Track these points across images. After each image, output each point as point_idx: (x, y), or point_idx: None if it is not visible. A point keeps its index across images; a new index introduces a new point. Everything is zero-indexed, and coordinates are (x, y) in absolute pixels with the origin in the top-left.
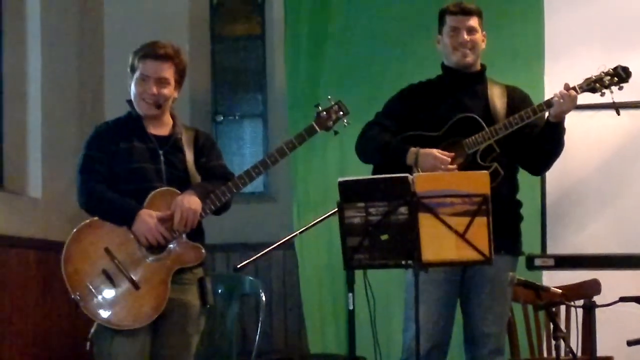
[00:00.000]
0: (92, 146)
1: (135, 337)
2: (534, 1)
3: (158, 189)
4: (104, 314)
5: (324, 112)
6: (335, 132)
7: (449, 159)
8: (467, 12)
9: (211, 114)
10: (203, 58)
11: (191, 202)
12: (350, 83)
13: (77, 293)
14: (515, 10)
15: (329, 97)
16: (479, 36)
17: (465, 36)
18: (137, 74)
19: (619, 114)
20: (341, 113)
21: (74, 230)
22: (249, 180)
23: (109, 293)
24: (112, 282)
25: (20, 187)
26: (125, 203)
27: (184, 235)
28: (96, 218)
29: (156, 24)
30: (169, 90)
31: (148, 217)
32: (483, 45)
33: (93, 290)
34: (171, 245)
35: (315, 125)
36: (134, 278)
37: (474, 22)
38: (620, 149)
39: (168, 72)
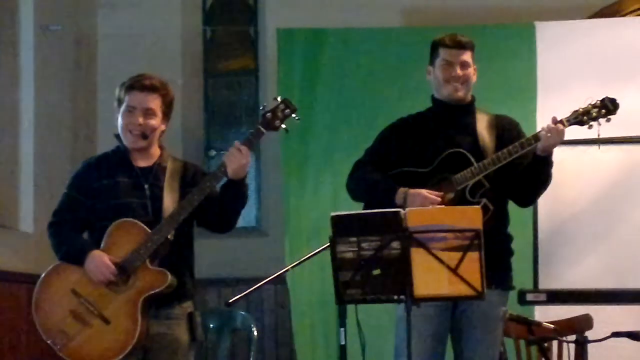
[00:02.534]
0: (73, 186)
1: None
2: (526, 36)
3: (115, 222)
4: (81, 355)
5: (269, 113)
6: (286, 131)
7: (439, 199)
8: (461, 46)
9: (204, 148)
10: (196, 93)
11: None
12: (343, 117)
13: (51, 338)
14: (508, 45)
15: (276, 97)
16: (471, 70)
17: (459, 71)
18: (123, 106)
19: (599, 148)
20: (288, 110)
21: (41, 277)
22: (202, 195)
23: (81, 333)
24: (82, 321)
25: (12, 222)
26: (79, 243)
27: (147, 262)
28: (61, 262)
29: (149, 58)
30: (155, 122)
31: (96, 256)
32: (474, 79)
33: (66, 333)
34: (135, 274)
35: (260, 127)
36: (103, 314)
37: (467, 56)
38: (613, 184)
39: (154, 103)
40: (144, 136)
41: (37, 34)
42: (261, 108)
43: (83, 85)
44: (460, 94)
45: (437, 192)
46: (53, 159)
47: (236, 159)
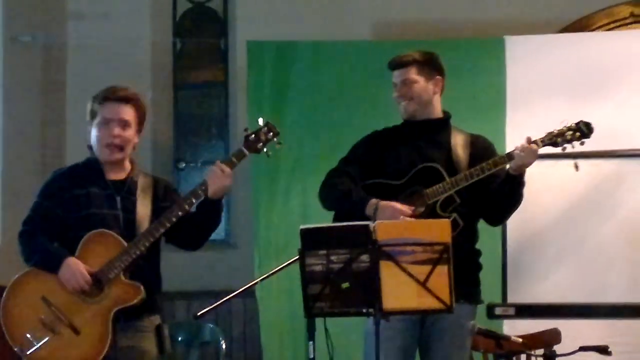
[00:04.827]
0: (44, 195)
1: None
2: (495, 50)
3: (91, 232)
4: None
5: (253, 135)
6: (268, 155)
7: (409, 212)
8: (398, 66)
9: (173, 160)
10: (165, 105)
11: None
12: (313, 130)
13: (18, 345)
14: (477, 59)
15: (259, 119)
16: (418, 86)
17: (396, 92)
18: (98, 119)
19: (577, 170)
20: (271, 134)
21: (11, 282)
22: (182, 213)
23: (49, 342)
24: (51, 330)
25: None
26: (54, 249)
27: (121, 275)
28: (33, 268)
29: (118, 70)
30: (130, 134)
31: (72, 264)
32: (430, 93)
33: (33, 341)
34: (109, 286)
35: (244, 149)
36: (73, 323)
37: (409, 73)
38: (581, 199)
39: (129, 114)
40: (121, 148)
41: (6, 44)
42: (244, 130)
43: (52, 96)
44: (410, 109)
45: (408, 206)
46: (21, 170)
47: (219, 180)
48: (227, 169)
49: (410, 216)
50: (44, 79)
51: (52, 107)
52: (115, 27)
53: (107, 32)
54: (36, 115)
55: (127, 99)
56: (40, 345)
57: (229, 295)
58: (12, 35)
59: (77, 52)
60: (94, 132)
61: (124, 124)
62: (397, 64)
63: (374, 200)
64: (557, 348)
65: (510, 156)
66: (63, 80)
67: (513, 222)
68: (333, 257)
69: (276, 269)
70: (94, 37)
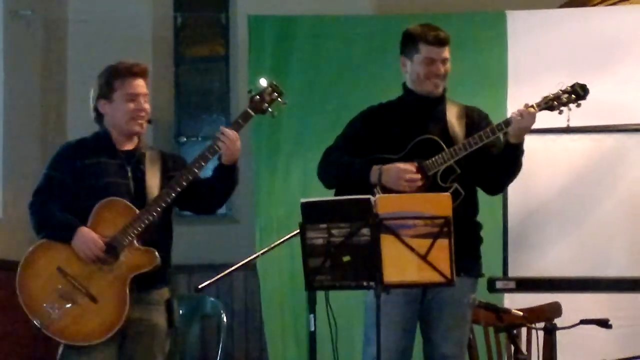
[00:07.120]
0: (54, 165)
1: (102, 357)
2: (497, 25)
3: (102, 200)
4: (68, 333)
5: (257, 96)
6: (273, 115)
7: (413, 169)
8: (443, 43)
9: (174, 135)
10: (166, 79)
11: None
12: (314, 105)
13: (37, 317)
14: (479, 34)
15: (261, 80)
16: (449, 64)
17: (440, 69)
18: (121, 94)
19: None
20: (275, 94)
21: (25, 255)
22: (192, 177)
23: (68, 312)
24: (69, 300)
25: None
26: (65, 220)
27: (135, 242)
28: (45, 240)
29: (120, 45)
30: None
31: (85, 233)
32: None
33: (52, 312)
34: (123, 253)
35: (249, 110)
36: (90, 292)
37: (447, 52)
38: (582, 173)
39: (146, 87)
40: (150, 121)
41: (7, 19)
42: (248, 92)
43: (53, 70)
44: (440, 89)
45: (411, 163)
46: (22, 145)
47: (230, 146)
48: (234, 134)
49: (415, 172)
50: (44, 53)
51: (53, 81)
52: (116, 1)
53: (108, 7)
54: (37, 90)
55: (144, 73)
56: (59, 316)
57: (230, 268)
58: (13, 10)
59: (78, 26)
60: (120, 107)
61: (146, 98)
62: (442, 41)
63: (376, 166)
64: (558, 321)
65: (507, 122)
66: (64, 54)
67: (514, 195)
68: (334, 231)
69: (277, 243)
70: (95, 11)
